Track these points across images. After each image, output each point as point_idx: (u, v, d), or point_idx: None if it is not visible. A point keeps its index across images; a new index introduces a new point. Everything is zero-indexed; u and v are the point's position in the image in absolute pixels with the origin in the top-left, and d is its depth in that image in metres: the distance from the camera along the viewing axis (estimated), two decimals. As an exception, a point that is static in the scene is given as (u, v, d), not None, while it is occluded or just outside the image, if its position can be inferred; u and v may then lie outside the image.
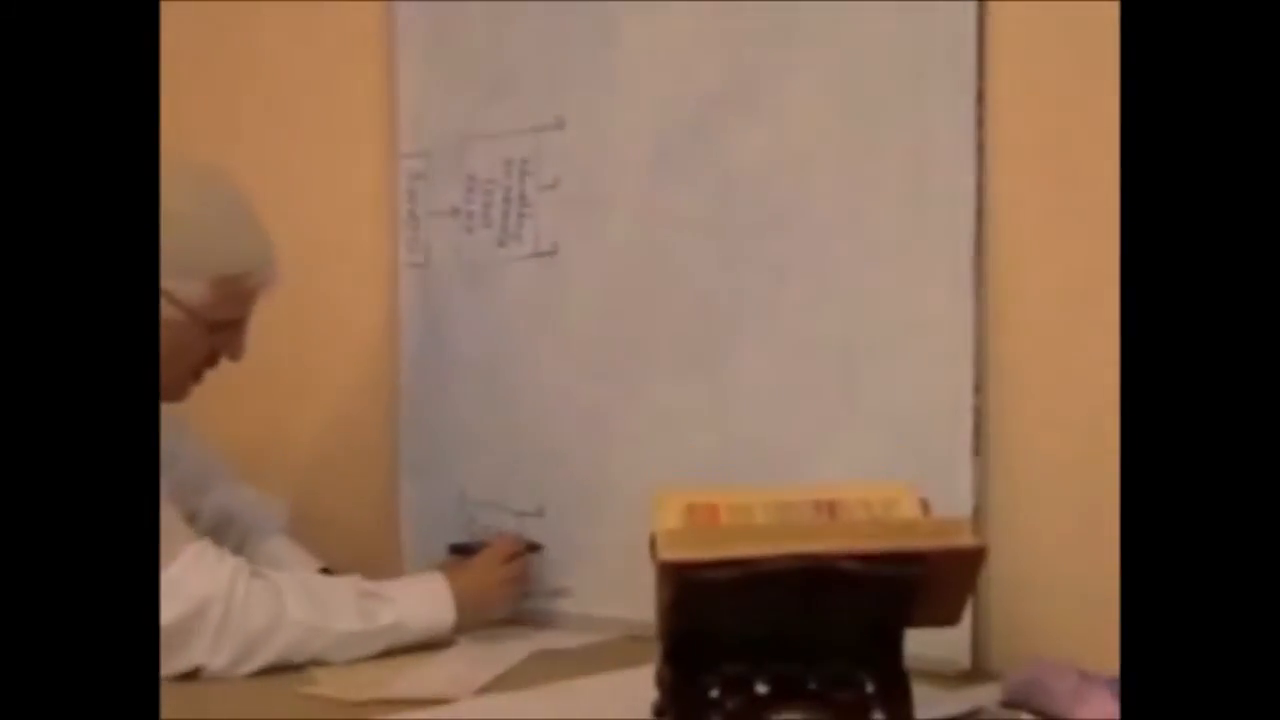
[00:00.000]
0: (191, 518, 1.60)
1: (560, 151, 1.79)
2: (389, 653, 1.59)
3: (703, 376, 1.68)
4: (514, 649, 1.63)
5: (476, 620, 1.67)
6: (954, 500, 1.42)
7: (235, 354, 1.60)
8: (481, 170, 1.86)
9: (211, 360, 1.59)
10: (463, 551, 1.78)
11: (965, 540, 1.18)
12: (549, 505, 1.79)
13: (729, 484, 1.30)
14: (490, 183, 1.86)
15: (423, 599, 1.63)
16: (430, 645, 1.62)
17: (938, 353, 1.50)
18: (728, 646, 1.18)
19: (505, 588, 1.72)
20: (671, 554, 1.15)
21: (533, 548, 1.77)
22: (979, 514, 1.46)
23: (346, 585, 1.60)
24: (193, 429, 1.75)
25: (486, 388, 1.86)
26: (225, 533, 1.72)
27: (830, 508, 1.20)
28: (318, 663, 1.54)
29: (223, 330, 1.56)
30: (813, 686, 1.19)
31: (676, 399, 1.69)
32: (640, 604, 1.25)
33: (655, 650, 1.24)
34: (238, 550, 1.64)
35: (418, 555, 1.90)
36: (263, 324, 1.63)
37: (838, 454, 1.56)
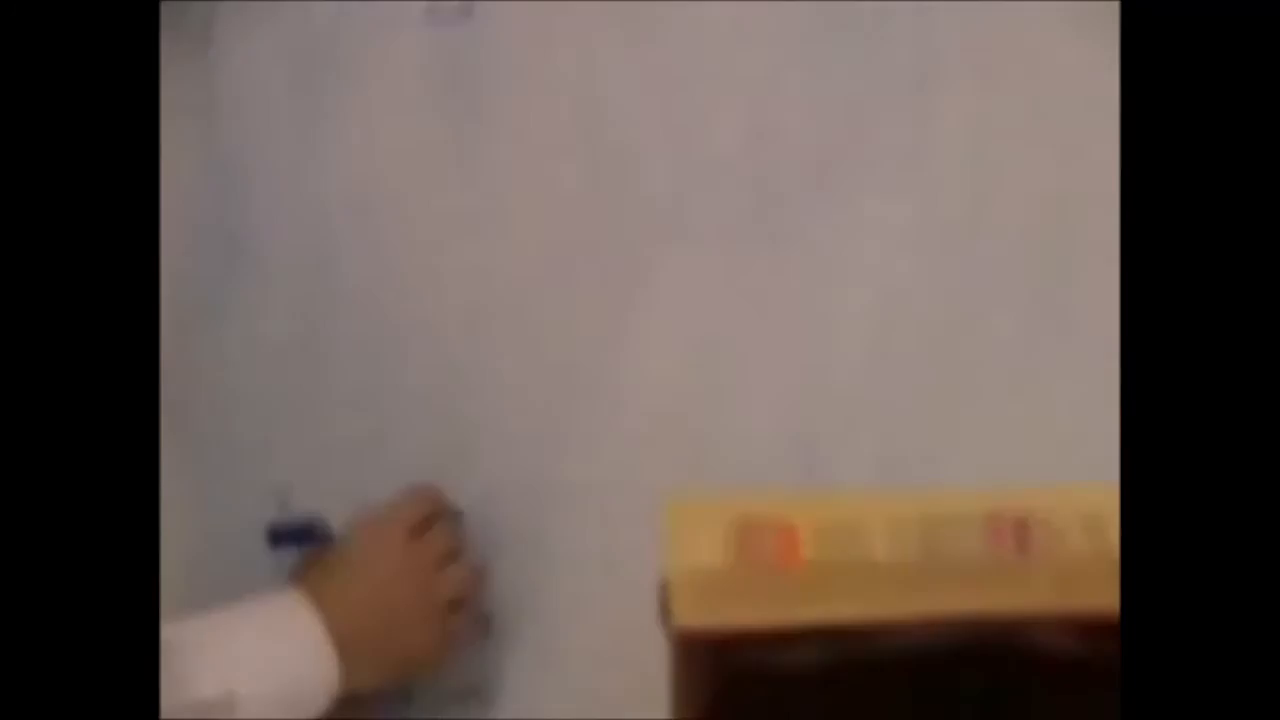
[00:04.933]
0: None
1: None
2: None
3: (753, 273, 0.93)
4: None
5: (381, 671, 0.94)
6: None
7: None
8: None
9: None
10: (304, 539, 0.97)
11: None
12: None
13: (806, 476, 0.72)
14: None
15: (271, 644, 0.91)
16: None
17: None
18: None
19: (441, 585, 0.95)
20: (703, 618, 0.67)
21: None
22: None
23: None
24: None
25: (331, 304, 1.04)
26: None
27: (1018, 530, 0.66)
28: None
29: None
30: None
31: (702, 319, 0.94)
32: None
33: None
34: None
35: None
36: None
37: (1002, 426, 0.88)
